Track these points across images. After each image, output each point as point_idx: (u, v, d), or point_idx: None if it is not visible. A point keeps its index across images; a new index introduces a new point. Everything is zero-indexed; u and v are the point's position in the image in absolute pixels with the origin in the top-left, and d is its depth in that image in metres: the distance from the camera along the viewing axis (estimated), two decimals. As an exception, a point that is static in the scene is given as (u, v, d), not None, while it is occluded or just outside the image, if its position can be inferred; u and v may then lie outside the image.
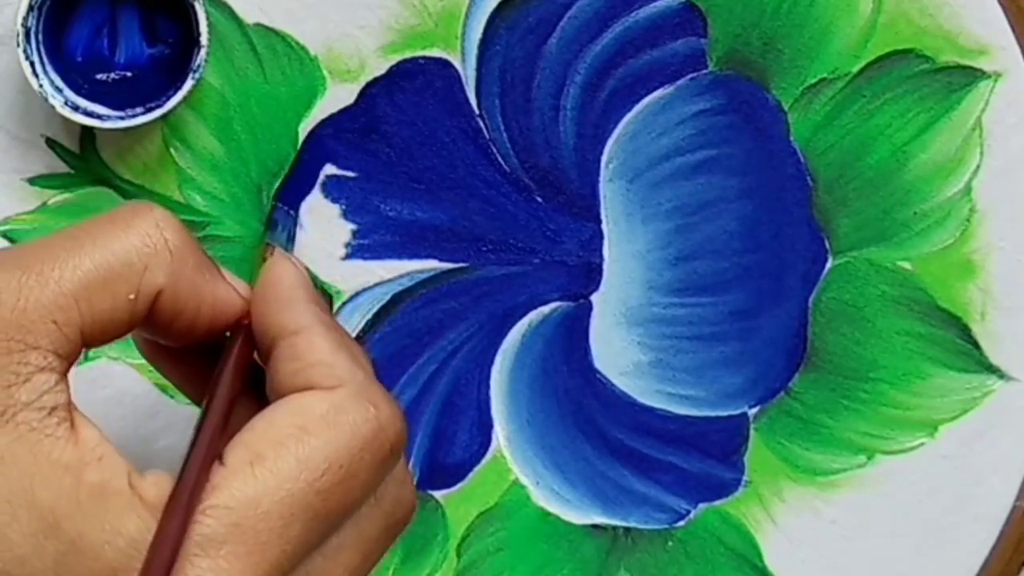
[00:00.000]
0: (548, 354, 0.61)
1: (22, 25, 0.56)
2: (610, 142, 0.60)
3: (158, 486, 0.44)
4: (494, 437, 0.61)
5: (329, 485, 0.44)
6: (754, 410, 0.61)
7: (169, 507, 0.43)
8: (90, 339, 0.45)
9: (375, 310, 0.61)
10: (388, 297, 0.60)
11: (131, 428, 0.60)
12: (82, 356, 0.61)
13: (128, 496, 0.43)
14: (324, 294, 0.59)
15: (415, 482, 0.61)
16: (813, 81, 0.60)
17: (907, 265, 0.60)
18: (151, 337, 0.50)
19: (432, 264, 0.61)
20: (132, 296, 0.45)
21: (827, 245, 0.60)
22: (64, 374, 0.45)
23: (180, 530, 0.42)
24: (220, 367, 0.48)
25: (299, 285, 0.50)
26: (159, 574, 0.42)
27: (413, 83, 0.60)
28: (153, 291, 0.46)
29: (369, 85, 0.60)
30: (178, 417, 0.60)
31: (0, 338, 0.43)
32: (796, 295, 0.61)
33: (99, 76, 0.58)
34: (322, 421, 0.45)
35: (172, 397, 0.60)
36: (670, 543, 0.61)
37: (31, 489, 0.42)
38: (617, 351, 0.61)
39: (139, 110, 0.57)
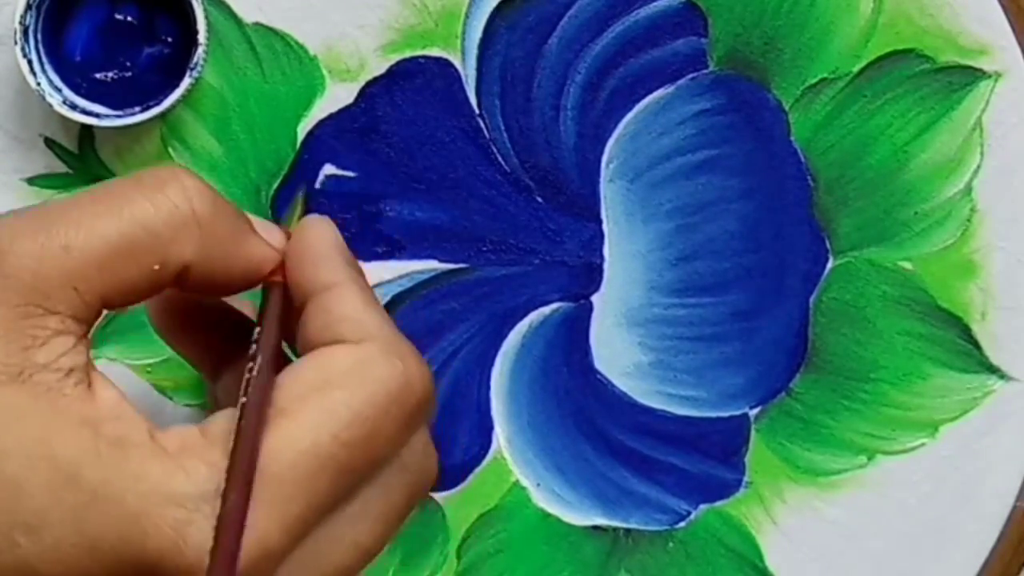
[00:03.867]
0: (548, 355, 0.61)
1: (20, 23, 0.55)
2: (611, 142, 0.60)
3: (181, 436, 0.44)
4: (494, 439, 0.61)
5: (354, 438, 0.44)
6: (755, 411, 0.61)
7: (234, 462, 0.43)
8: (110, 304, 0.45)
9: (375, 311, 0.60)
10: (388, 298, 0.60)
11: (129, 430, 0.60)
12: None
13: (149, 446, 0.43)
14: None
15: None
16: (814, 81, 0.60)
17: (908, 265, 0.60)
18: (174, 296, 0.50)
19: (432, 265, 0.60)
20: (157, 267, 0.45)
21: (828, 245, 0.60)
22: (83, 336, 0.45)
23: (247, 483, 0.42)
24: (260, 322, 0.47)
25: (334, 244, 0.49)
26: (235, 524, 0.42)
27: (413, 83, 0.60)
28: (179, 263, 0.45)
29: (369, 85, 0.60)
30: (177, 418, 0.60)
31: (19, 302, 0.43)
32: (797, 295, 0.61)
33: (98, 75, 0.58)
34: (347, 374, 0.45)
35: (170, 399, 0.60)
36: (671, 544, 0.61)
37: (48, 443, 0.42)
38: (618, 352, 0.61)
39: (137, 109, 0.57)
